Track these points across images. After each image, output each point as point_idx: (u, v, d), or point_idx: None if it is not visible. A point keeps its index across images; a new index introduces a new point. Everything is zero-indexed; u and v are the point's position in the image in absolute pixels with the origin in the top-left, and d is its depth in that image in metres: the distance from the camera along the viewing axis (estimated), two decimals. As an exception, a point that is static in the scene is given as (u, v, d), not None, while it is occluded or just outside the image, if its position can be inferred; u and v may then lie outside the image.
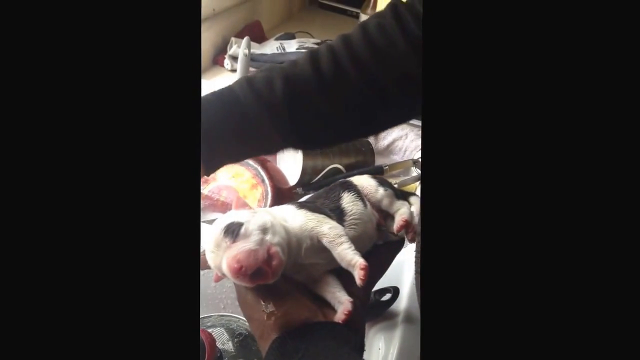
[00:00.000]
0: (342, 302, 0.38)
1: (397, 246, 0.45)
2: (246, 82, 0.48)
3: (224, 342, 0.52)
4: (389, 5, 0.51)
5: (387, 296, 0.56)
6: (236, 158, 0.52)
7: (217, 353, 0.49)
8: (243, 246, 0.34)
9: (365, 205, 0.44)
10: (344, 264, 0.38)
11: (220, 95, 0.48)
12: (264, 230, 0.36)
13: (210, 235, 0.36)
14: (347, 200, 0.42)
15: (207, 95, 0.48)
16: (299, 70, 0.49)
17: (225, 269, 0.34)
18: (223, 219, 0.36)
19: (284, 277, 0.37)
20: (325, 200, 0.43)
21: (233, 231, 0.34)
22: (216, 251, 0.35)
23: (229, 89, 0.48)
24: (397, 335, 0.56)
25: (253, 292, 0.37)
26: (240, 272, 0.33)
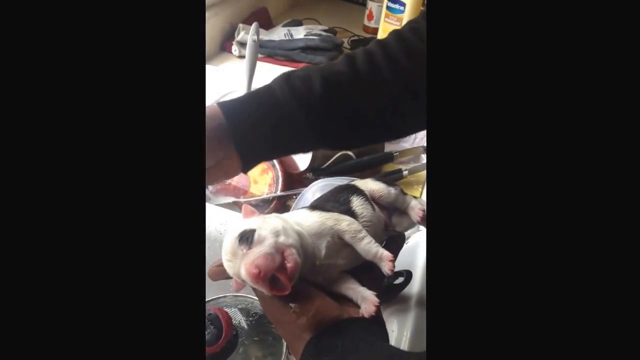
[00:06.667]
0: (366, 297, 0.38)
1: (400, 240, 0.47)
2: (284, 79, 0.49)
3: (239, 320, 0.53)
4: (422, 13, 0.55)
5: (400, 279, 0.57)
6: (271, 156, 0.53)
7: (233, 331, 0.50)
8: (259, 251, 0.35)
9: (373, 209, 0.45)
10: (369, 257, 0.39)
11: (258, 94, 0.49)
12: (276, 233, 0.37)
13: (225, 246, 0.37)
14: (357, 204, 0.44)
15: (245, 95, 0.49)
16: (336, 69, 0.50)
17: (244, 275, 0.35)
18: (235, 229, 0.38)
19: (304, 280, 0.38)
20: (335, 203, 0.44)
21: (247, 238, 0.36)
22: (233, 260, 0.36)
23: (266, 87, 0.49)
24: (411, 318, 0.57)
25: (279, 296, 0.37)
26: (259, 276, 0.34)
